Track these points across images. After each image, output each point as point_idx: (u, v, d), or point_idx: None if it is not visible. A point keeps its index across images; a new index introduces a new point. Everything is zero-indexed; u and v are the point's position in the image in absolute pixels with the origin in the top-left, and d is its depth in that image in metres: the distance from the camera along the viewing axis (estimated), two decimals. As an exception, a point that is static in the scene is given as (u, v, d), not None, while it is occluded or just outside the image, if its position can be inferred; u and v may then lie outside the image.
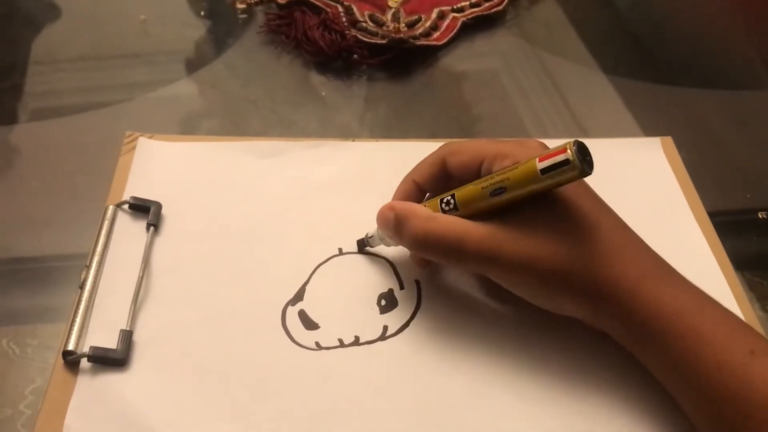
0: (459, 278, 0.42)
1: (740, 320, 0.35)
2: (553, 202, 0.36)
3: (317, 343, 0.39)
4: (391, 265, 0.43)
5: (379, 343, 0.39)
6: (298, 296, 0.41)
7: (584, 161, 0.33)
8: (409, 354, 0.39)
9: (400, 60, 0.58)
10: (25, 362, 0.38)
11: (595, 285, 0.35)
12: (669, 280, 0.36)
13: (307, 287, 0.41)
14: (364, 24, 0.58)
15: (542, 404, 0.37)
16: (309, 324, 0.40)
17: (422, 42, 0.59)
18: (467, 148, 0.39)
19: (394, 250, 0.43)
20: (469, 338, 0.39)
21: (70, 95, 0.56)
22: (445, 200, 0.38)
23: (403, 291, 0.41)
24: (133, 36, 0.61)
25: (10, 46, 0.59)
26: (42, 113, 0.54)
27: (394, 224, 0.39)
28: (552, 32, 0.66)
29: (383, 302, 0.41)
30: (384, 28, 0.58)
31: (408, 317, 0.40)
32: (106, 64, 0.59)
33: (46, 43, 0.60)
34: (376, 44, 0.58)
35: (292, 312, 0.40)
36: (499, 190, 0.35)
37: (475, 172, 0.38)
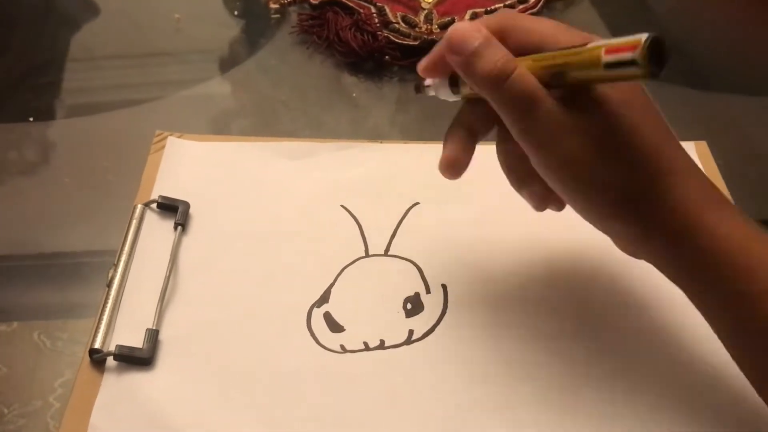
0: (486, 284, 0.41)
1: None
2: (623, 114, 0.33)
3: (342, 346, 0.39)
4: (417, 268, 0.42)
5: (404, 347, 0.39)
6: (324, 298, 0.41)
7: (653, 62, 0.29)
8: (434, 359, 0.38)
9: (433, 61, 0.58)
10: (55, 355, 0.39)
11: (652, 206, 0.33)
12: (729, 211, 0.34)
13: (333, 289, 0.41)
14: (396, 25, 0.58)
15: (571, 416, 0.36)
16: (334, 326, 0.39)
17: (455, 43, 0.58)
18: (536, 30, 0.34)
19: (422, 254, 0.43)
20: (495, 345, 0.39)
21: (105, 92, 0.57)
22: None
23: (429, 295, 0.41)
24: (167, 34, 0.62)
25: (48, 43, 0.60)
26: (77, 109, 0.54)
27: (473, 50, 0.33)
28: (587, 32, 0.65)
29: (409, 306, 0.41)
30: (416, 29, 0.58)
31: (434, 322, 0.40)
32: (140, 62, 0.60)
33: (83, 40, 0.61)
34: (408, 45, 0.57)
35: (318, 314, 0.40)
36: (557, 74, 0.32)
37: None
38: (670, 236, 0.33)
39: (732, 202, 0.35)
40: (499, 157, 0.38)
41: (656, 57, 0.29)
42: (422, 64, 0.37)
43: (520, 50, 0.34)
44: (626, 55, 0.29)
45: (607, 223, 0.35)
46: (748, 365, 0.34)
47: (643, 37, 0.29)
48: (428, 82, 0.38)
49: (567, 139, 0.32)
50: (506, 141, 0.36)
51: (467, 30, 0.33)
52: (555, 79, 0.32)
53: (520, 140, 0.34)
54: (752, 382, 0.34)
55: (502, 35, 0.34)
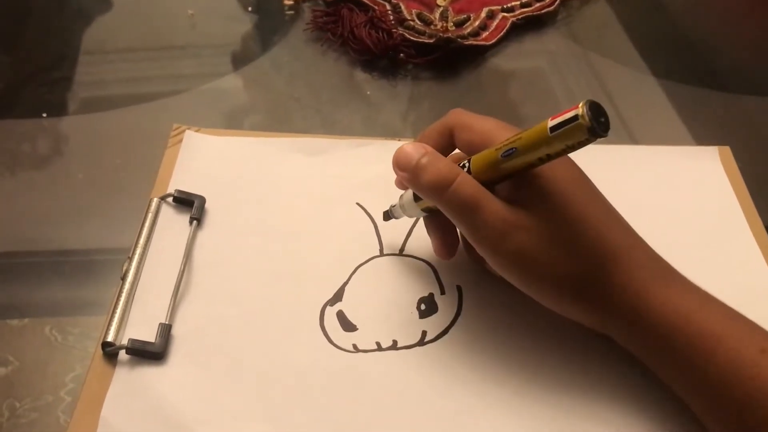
0: (501, 287, 0.41)
1: (748, 319, 0.34)
2: (565, 206, 0.35)
3: (354, 346, 0.38)
4: (432, 269, 0.42)
5: (417, 348, 0.38)
6: (337, 297, 0.40)
7: (596, 120, 0.31)
8: (447, 361, 0.38)
9: (447, 59, 0.57)
10: (66, 350, 0.39)
11: (603, 291, 0.35)
12: (675, 283, 0.35)
13: (347, 288, 0.41)
14: (411, 23, 0.58)
15: (585, 422, 0.36)
16: (347, 325, 0.39)
17: (470, 42, 0.58)
18: (478, 128, 0.37)
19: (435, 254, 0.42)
20: (509, 349, 0.38)
21: (118, 86, 0.56)
22: (461, 164, 0.37)
23: (443, 296, 0.41)
24: (181, 30, 0.62)
25: (61, 37, 0.60)
26: (91, 104, 0.54)
27: (415, 164, 0.36)
28: (602, 34, 0.64)
29: (423, 307, 0.40)
30: (432, 27, 0.58)
31: (447, 323, 0.40)
32: (153, 56, 0.60)
33: (96, 34, 0.61)
34: (423, 43, 0.57)
35: (331, 312, 0.40)
36: (510, 151, 0.34)
37: (449, 144, 0.38)
38: (621, 318, 0.35)
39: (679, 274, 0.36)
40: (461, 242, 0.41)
41: (598, 119, 0.31)
42: (397, 182, 0.41)
43: (467, 146, 0.37)
44: (569, 114, 0.31)
45: (562, 310, 0.37)
46: (710, 422, 0.34)
47: (582, 101, 0.31)
48: (394, 203, 0.42)
49: (514, 236, 0.34)
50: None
51: (410, 148, 0.37)
52: (504, 169, 0.35)
53: (471, 241, 0.36)
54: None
55: (451, 133, 0.38)
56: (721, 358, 0.33)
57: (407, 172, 0.37)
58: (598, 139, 0.31)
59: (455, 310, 0.40)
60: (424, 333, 0.39)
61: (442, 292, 0.41)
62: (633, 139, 0.53)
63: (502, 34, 0.60)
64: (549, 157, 0.33)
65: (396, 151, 0.37)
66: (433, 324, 0.39)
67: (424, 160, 0.36)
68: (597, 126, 0.31)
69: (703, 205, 0.46)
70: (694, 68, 0.61)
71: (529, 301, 0.40)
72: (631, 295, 0.35)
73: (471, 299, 0.41)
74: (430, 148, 0.37)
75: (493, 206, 0.35)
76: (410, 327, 0.39)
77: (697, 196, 0.47)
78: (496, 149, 0.35)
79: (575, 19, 0.65)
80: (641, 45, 0.62)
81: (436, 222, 0.40)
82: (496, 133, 0.36)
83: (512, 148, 0.34)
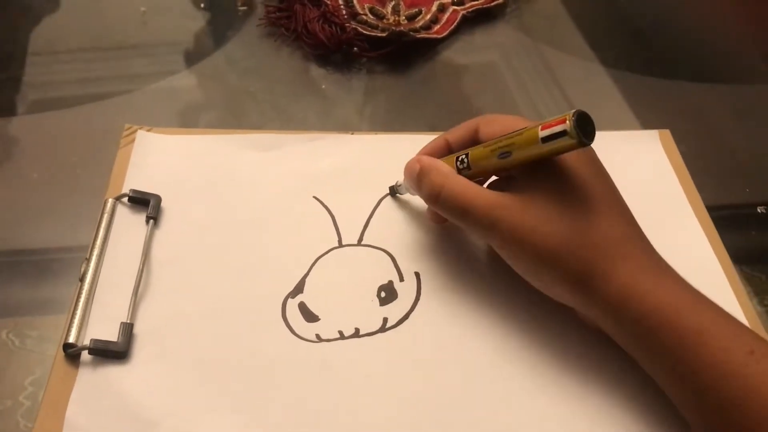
0: (459, 271, 0.42)
1: (739, 321, 0.35)
2: (563, 179, 0.37)
3: (318, 335, 0.39)
4: (390, 257, 0.43)
5: (379, 334, 0.39)
6: (298, 288, 0.41)
7: (583, 132, 0.34)
8: (409, 346, 0.39)
9: (400, 53, 0.58)
10: (24, 354, 0.38)
11: (586, 274, 0.35)
12: (667, 278, 0.36)
13: (307, 279, 0.41)
14: (364, 17, 0.58)
15: (542, 397, 0.37)
16: (309, 316, 0.40)
17: (422, 35, 0.59)
18: (500, 121, 0.40)
19: (394, 243, 0.43)
20: (468, 331, 0.39)
21: (69, 87, 0.55)
22: (460, 158, 0.40)
23: (402, 283, 0.42)
24: (132, 27, 0.61)
25: (7, 36, 0.59)
26: (41, 105, 0.53)
27: (417, 175, 0.41)
28: (552, 26, 0.66)
29: (383, 294, 0.41)
30: (384, 20, 0.58)
31: (408, 309, 0.40)
32: (105, 56, 0.59)
33: (44, 33, 0.59)
34: (376, 37, 0.57)
35: (293, 304, 0.40)
36: (505, 153, 0.37)
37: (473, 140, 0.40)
38: (609, 305, 0.36)
39: (673, 270, 0.37)
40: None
41: (585, 129, 0.34)
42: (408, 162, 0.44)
43: (491, 138, 0.39)
44: (558, 128, 0.34)
45: (552, 294, 0.38)
46: (695, 418, 0.35)
47: (570, 112, 0.34)
48: (399, 181, 0.45)
49: (503, 220, 0.37)
50: None
51: (411, 161, 0.42)
52: (505, 164, 0.37)
53: (472, 234, 0.42)
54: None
55: (477, 128, 0.41)
56: (710, 356, 0.33)
57: (412, 181, 0.42)
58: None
59: (414, 296, 0.41)
60: (385, 320, 0.40)
61: (401, 279, 0.42)
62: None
63: (453, 27, 0.61)
64: (542, 159, 0.36)
65: (406, 165, 0.43)
66: (394, 310, 0.40)
67: (420, 173, 0.41)
68: (584, 137, 0.34)
69: (645, 187, 0.47)
70: (640, 57, 0.63)
71: (486, 285, 0.41)
72: (620, 283, 0.35)
73: (429, 285, 0.42)
74: (426, 159, 0.41)
75: (481, 201, 0.37)
76: (371, 314, 0.40)
77: (639, 179, 0.48)
78: (492, 150, 0.38)
79: (525, 11, 0.66)
80: (590, 35, 0.63)
81: None
82: (515, 124, 0.38)
83: (507, 152, 0.37)
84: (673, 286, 0.35)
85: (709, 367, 0.33)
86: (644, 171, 0.49)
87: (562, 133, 0.34)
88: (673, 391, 0.35)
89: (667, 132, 0.52)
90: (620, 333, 0.36)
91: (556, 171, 0.37)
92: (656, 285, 0.35)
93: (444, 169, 0.40)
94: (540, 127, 0.35)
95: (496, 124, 0.40)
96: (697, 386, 0.33)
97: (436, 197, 0.39)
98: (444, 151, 0.42)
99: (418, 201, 0.45)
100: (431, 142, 0.43)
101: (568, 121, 0.34)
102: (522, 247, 0.36)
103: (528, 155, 0.36)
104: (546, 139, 0.34)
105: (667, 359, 0.34)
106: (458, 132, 0.42)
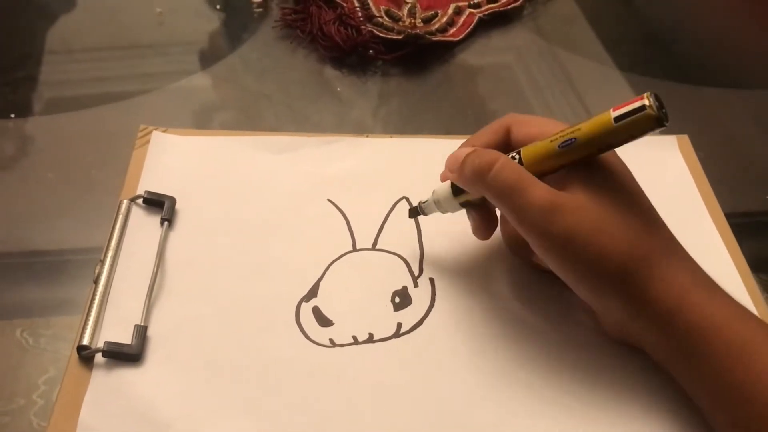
0: (474, 276, 0.42)
1: None
2: (618, 183, 0.35)
3: (331, 340, 0.39)
4: (405, 262, 0.43)
5: (393, 340, 0.39)
6: (312, 292, 0.41)
7: (662, 113, 0.32)
8: (423, 352, 0.38)
9: (416, 56, 0.58)
10: (38, 352, 0.38)
11: (644, 285, 0.34)
12: (713, 291, 0.35)
13: (321, 283, 0.41)
14: (380, 19, 0.58)
15: (558, 404, 0.37)
16: (323, 321, 0.40)
17: (438, 38, 0.59)
18: (536, 122, 0.38)
19: (409, 247, 0.43)
20: (483, 337, 0.39)
21: (85, 86, 0.56)
22: (511, 155, 0.37)
23: (417, 288, 0.41)
24: (148, 28, 0.61)
25: (25, 36, 0.59)
26: (57, 104, 0.54)
27: (464, 159, 0.37)
28: (568, 29, 0.65)
29: (397, 299, 0.41)
30: (400, 23, 0.58)
31: (422, 315, 0.40)
32: (120, 56, 0.59)
33: (60, 33, 0.60)
34: (391, 40, 0.57)
35: (306, 308, 0.40)
36: (568, 141, 0.34)
37: (504, 143, 0.38)
38: (658, 315, 0.34)
39: (717, 284, 0.36)
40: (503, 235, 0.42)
41: (662, 109, 0.32)
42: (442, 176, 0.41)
43: (525, 139, 0.37)
44: (636, 104, 0.32)
45: (598, 300, 0.36)
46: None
47: (647, 93, 0.32)
48: (424, 200, 0.42)
49: (561, 217, 0.34)
50: (505, 222, 0.41)
51: (459, 150, 0.39)
52: (558, 160, 0.35)
53: (516, 224, 0.36)
54: None
55: (507, 131, 0.38)
56: (757, 368, 0.32)
57: (455, 172, 0.38)
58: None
59: (429, 302, 0.41)
60: (399, 325, 0.40)
61: (416, 285, 0.41)
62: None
63: (469, 29, 0.60)
64: (609, 147, 0.34)
65: (448, 159, 0.39)
66: (408, 316, 0.40)
67: (467, 157, 0.37)
68: (663, 115, 0.32)
69: (663, 193, 0.46)
70: (657, 61, 0.62)
71: (501, 291, 0.41)
72: (671, 295, 0.34)
73: (444, 290, 0.41)
74: (471, 147, 0.38)
75: (539, 188, 0.35)
76: (385, 320, 0.40)
77: (657, 185, 0.47)
78: (551, 140, 0.35)
79: (541, 14, 0.65)
80: (606, 39, 0.63)
81: (476, 211, 0.40)
82: (554, 127, 0.36)
83: (571, 139, 0.34)
84: (719, 298, 0.35)
85: (756, 378, 0.32)
86: (662, 177, 0.48)
87: (641, 109, 0.32)
88: (717, 407, 0.34)
89: (685, 137, 0.51)
90: (665, 345, 0.35)
91: (610, 174, 0.35)
92: (709, 297, 0.34)
93: (497, 154, 0.36)
94: (611, 109, 0.33)
95: (532, 126, 0.38)
96: (743, 399, 0.32)
97: (485, 172, 0.35)
98: None
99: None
100: (454, 152, 0.39)
101: (646, 98, 0.32)
102: (580, 250, 0.34)
103: (594, 143, 0.34)
104: (620, 118, 0.33)
105: (711, 373, 0.33)
106: (484, 137, 0.39)
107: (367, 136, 0.50)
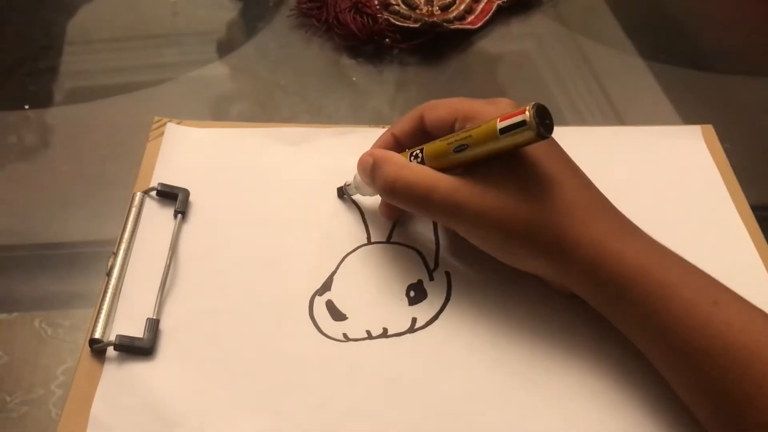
0: (491, 270, 0.41)
1: (705, 273, 0.35)
2: (521, 160, 0.36)
3: (345, 335, 0.38)
4: (420, 255, 0.42)
5: (408, 335, 0.38)
6: (326, 286, 0.40)
7: (542, 124, 0.33)
8: (437, 347, 0.38)
9: (433, 44, 0.57)
10: (56, 343, 0.38)
11: (557, 242, 0.36)
12: (633, 237, 0.36)
13: (335, 277, 0.41)
14: (396, 7, 0.57)
15: (576, 401, 0.36)
16: (337, 315, 0.39)
17: (456, 26, 0.58)
18: (443, 105, 0.40)
19: (424, 240, 0.43)
20: (499, 332, 0.38)
21: (103, 77, 0.56)
22: (414, 153, 0.39)
23: (432, 282, 0.41)
24: (164, 18, 0.61)
25: (45, 27, 0.59)
26: (75, 95, 0.54)
27: (370, 168, 0.40)
28: (589, 16, 0.64)
29: (412, 293, 0.40)
30: (417, 11, 0.57)
31: (437, 309, 0.39)
32: (136, 46, 0.59)
33: (80, 24, 0.60)
34: (408, 28, 0.56)
35: (320, 302, 0.40)
36: (462, 147, 0.36)
37: (448, 129, 0.39)
38: (578, 269, 0.36)
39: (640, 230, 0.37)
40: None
41: (544, 121, 0.33)
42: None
43: (438, 124, 0.39)
44: (517, 119, 0.33)
45: (526, 265, 0.38)
46: (672, 377, 0.35)
47: (531, 104, 0.33)
48: (349, 181, 0.44)
49: (468, 203, 0.36)
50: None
51: (363, 156, 0.41)
52: (455, 160, 0.37)
53: (435, 221, 0.41)
54: (681, 395, 0.35)
55: (422, 117, 0.40)
56: (677, 311, 0.33)
57: (366, 176, 0.40)
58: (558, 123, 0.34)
59: (444, 296, 0.40)
60: (414, 320, 0.39)
61: (431, 279, 0.41)
62: (621, 120, 0.53)
63: (488, 17, 0.59)
64: (499, 153, 0.35)
65: (359, 160, 0.41)
66: (423, 310, 0.39)
67: (373, 167, 0.39)
68: (543, 129, 0.33)
69: (687, 183, 0.46)
70: (680, 49, 0.61)
71: (518, 285, 0.40)
72: (587, 246, 0.35)
73: (460, 284, 0.41)
74: (378, 151, 0.40)
75: (441, 186, 0.37)
76: (400, 314, 0.39)
77: (681, 175, 0.47)
78: (448, 143, 0.37)
79: (562, 1, 0.64)
80: (628, 26, 0.62)
81: None
82: (459, 106, 0.39)
83: (464, 144, 0.36)
84: (641, 244, 0.36)
85: (676, 320, 0.33)
86: (686, 168, 0.47)
87: (521, 124, 0.33)
88: (648, 348, 0.36)
89: (710, 127, 0.50)
90: (595, 296, 0.37)
91: (515, 157, 0.37)
92: (624, 245, 0.35)
93: (398, 160, 0.39)
94: (498, 119, 0.34)
95: (440, 109, 0.39)
96: (666, 339, 0.34)
97: (391, 189, 0.38)
98: (393, 147, 0.41)
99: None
100: (378, 139, 0.42)
101: (527, 112, 0.33)
102: (490, 227, 0.36)
103: (486, 149, 0.35)
104: (504, 130, 0.34)
105: (637, 317, 0.35)
106: (403, 124, 0.41)
107: (383, 127, 0.49)
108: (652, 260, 0.35)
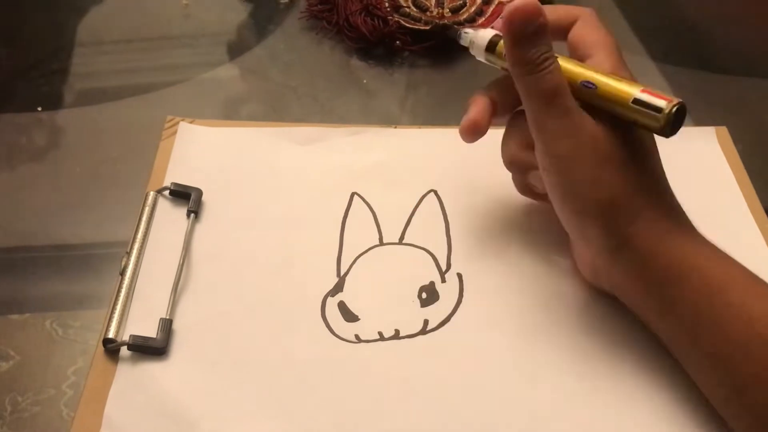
0: (503, 273, 0.41)
1: (762, 279, 0.35)
2: (634, 141, 0.35)
3: (357, 336, 0.38)
4: (432, 257, 0.42)
5: (419, 337, 0.38)
6: (338, 287, 0.40)
7: (673, 122, 0.32)
8: (450, 349, 0.38)
9: (443, 46, 0.57)
10: (67, 343, 0.39)
11: (624, 224, 0.35)
12: (693, 236, 0.36)
13: (347, 278, 0.41)
14: (407, 9, 0.57)
15: (590, 406, 0.36)
16: (349, 316, 0.39)
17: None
18: (598, 35, 0.38)
19: (436, 242, 0.42)
20: (511, 335, 0.38)
21: (115, 78, 0.56)
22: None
23: (444, 284, 0.41)
24: (175, 20, 0.61)
25: (57, 29, 0.59)
26: (87, 96, 0.54)
27: (533, 30, 0.34)
28: (600, 18, 0.64)
29: (424, 295, 0.40)
30: (427, 13, 0.57)
31: (449, 312, 0.39)
32: (148, 47, 0.59)
33: (91, 26, 0.60)
34: (419, 30, 0.56)
35: (332, 303, 0.40)
36: (589, 85, 0.35)
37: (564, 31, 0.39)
38: (636, 252, 0.35)
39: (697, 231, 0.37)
40: (504, 139, 0.40)
41: (676, 119, 0.33)
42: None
43: (579, 42, 0.38)
44: (657, 102, 0.32)
45: (580, 228, 0.36)
46: (707, 386, 0.35)
47: (676, 99, 0.32)
48: (468, 30, 0.40)
49: (573, 135, 0.34)
50: (515, 126, 0.39)
51: (530, 8, 0.34)
52: (577, 93, 0.35)
53: (533, 127, 0.36)
54: (712, 401, 0.35)
55: (573, 21, 0.38)
56: (733, 303, 0.33)
57: (513, 35, 0.35)
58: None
59: (457, 298, 0.40)
60: (426, 322, 0.39)
61: (443, 280, 0.41)
62: (632, 122, 0.53)
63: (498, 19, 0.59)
64: (616, 115, 0.34)
65: (514, 3, 0.35)
66: (435, 312, 0.39)
67: (534, 33, 0.34)
68: (668, 127, 0.32)
69: (701, 186, 0.46)
70: (692, 51, 0.61)
71: (530, 288, 0.40)
72: (651, 235, 0.35)
73: (472, 286, 0.40)
74: (544, 20, 0.35)
75: (569, 102, 0.34)
76: (412, 316, 0.39)
77: (694, 178, 0.46)
78: (584, 72, 0.35)
79: (573, 2, 0.64)
80: (639, 28, 0.61)
81: (499, 88, 0.40)
82: (609, 50, 0.37)
83: (592, 84, 0.35)
84: (704, 244, 0.36)
85: (736, 313, 0.33)
86: (700, 169, 0.47)
87: (657, 109, 0.32)
88: (685, 348, 0.35)
89: (724, 129, 0.50)
90: (641, 287, 0.36)
91: (630, 128, 0.35)
92: (688, 241, 0.35)
93: (550, 51, 0.35)
94: (641, 89, 0.33)
95: (593, 35, 0.38)
96: (720, 335, 0.33)
97: (539, 68, 0.34)
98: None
99: (461, 201, 0.43)
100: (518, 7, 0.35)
101: (668, 105, 0.32)
102: (580, 168, 0.35)
103: (606, 103, 0.34)
104: (638, 102, 0.33)
105: (688, 311, 0.34)
106: (555, 14, 0.38)
107: (395, 127, 0.49)
108: (711, 257, 0.35)
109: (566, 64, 0.36)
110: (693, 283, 0.34)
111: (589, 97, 0.35)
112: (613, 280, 0.37)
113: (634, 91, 0.33)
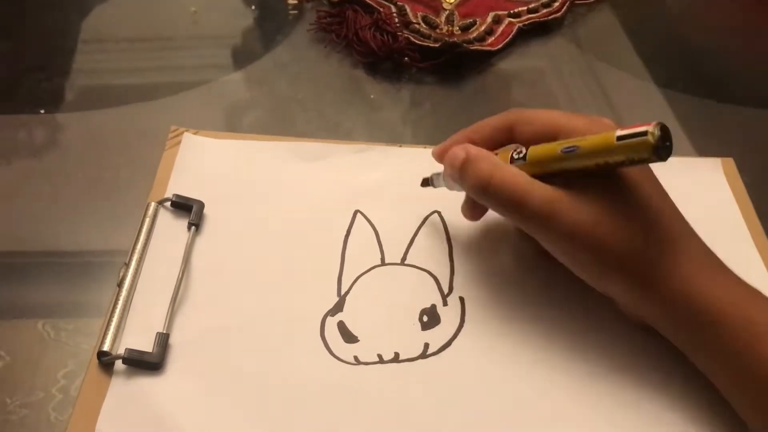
0: (505, 297, 0.40)
1: None
2: (619, 180, 0.36)
3: (356, 358, 0.38)
4: (434, 279, 0.41)
5: (419, 361, 0.38)
6: (338, 307, 0.40)
7: (662, 143, 0.32)
8: (450, 374, 0.37)
9: (452, 64, 0.57)
10: (58, 346, 0.38)
11: (650, 269, 0.35)
12: (722, 272, 0.36)
13: (348, 298, 0.40)
14: (416, 26, 0.57)
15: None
16: (348, 337, 0.39)
17: (476, 47, 0.57)
18: (539, 119, 0.38)
19: (439, 263, 0.42)
20: (513, 361, 0.38)
21: (118, 83, 0.55)
22: (518, 151, 0.37)
23: (446, 307, 0.40)
24: (182, 25, 0.61)
25: (60, 28, 0.59)
26: (89, 98, 0.53)
27: (460, 164, 0.38)
28: (607, 42, 0.64)
29: (425, 318, 0.40)
30: (437, 30, 0.57)
31: (450, 336, 0.39)
32: (153, 55, 0.59)
33: (95, 25, 0.60)
34: (428, 47, 0.56)
35: (332, 323, 0.39)
36: (571, 148, 0.35)
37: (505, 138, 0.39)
38: (667, 298, 0.35)
39: (729, 270, 0.36)
40: None
41: (664, 143, 0.32)
42: (435, 150, 0.42)
43: (531, 139, 0.38)
44: (639, 129, 0.32)
45: (605, 287, 0.37)
46: (752, 417, 0.34)
47: (655, 122, 0.32)
48: (438, 171, 0.42)
49: (559, 218, 0.35)
50: None
51: (454, 150, 0.39)
52: (560, 165, 0.35)
53: (524, 228, 0.38)
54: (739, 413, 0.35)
55: (509, 128, 0.39)
56: (765, 349, 0.33)
57: (454, 171, 0.39)
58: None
59: (458, 322, 0.39)
60: (426, 345, 0.38)
61: (445, 304, 0.40)
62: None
63: (508, 39, 0.59)
64: (606, 165, 0.34)
65: (448, 153, 0.39)
66: (436, 336, 0.39)
67: (466, 160, 0.38)
68: (661, 148, 0.32)
69: (705, 218, 0.45)
70: (696, 78, 0.60)
71: (534, 314, 0.40)
72: (678, 277, 0.34)
73: (474, 311, 0.40)
74: (473, 148, 0.38)
75: (537, 193, 0.35)
76: (412, 339, 0.39)
77: (699, 210, 0.46)
78: (558, 144, 0.36)
79: (580, 25, 0.64)
80: (645, 53, 0.61)
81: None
82: (560, 120, 0.37)
83: (574, 147, 0.35)
84: (728, 280, 0.35)
85: (763, 359, 0.32)
86: (705, 201, 0.46)
87: (642, 134, 0.32)
88: (730, 387, 0.35)
89: (730, 160, 0.49)
90: (675, 329, 0.36)
91: (612, 176, 0.36)
92: (716, 281, 0.35)
93: (494, 159, 0.37)
94: (618, 129, 0.34)
95: (536, 123, 0.38)
96: (752, 378, 0.33)
97: (484, 188, 0.37)
98: None
99: (464, 223, 0.43)
100: (452, 138, 0.41)
101: (652, 126, 0.32)
102: (582, 243, 0.35)
103: (594, 157, 0.34)
104: (622, 138, 0.33)
105: (721, 354, 0.34)
106: (485, 130, 0.40)
107: (400, 146, 0.49)
108: (740, 297, 0.34)
109: (539, 148, 0.37)
110: (721, 331, 0.34)
111: (573, 162, 0.35)
112: (648, 319, 0.37)
113: (614, 132, 0.33)
